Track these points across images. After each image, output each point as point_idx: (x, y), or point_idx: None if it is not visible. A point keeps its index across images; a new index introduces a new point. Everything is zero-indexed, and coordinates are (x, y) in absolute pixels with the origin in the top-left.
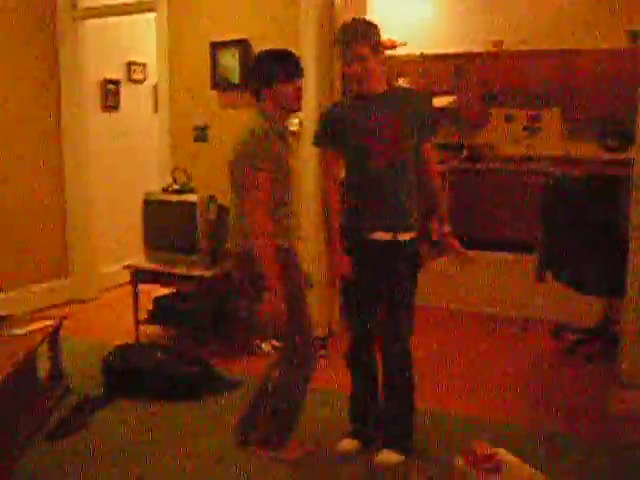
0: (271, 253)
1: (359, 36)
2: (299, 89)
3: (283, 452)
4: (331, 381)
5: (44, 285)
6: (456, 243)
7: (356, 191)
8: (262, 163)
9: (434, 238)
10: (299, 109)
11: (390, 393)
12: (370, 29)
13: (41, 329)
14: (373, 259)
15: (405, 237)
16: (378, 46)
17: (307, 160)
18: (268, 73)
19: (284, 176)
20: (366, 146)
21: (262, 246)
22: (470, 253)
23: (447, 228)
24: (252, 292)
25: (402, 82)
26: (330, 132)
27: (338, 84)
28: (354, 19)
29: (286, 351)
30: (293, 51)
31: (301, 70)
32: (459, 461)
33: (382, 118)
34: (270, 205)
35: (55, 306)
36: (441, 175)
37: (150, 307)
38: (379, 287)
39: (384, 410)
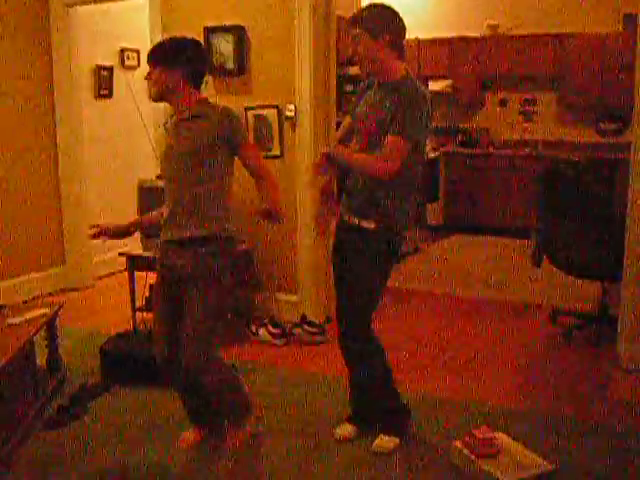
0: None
1: (355, 18)
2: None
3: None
4: (329, 366)
5: (39, 273)
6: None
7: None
8: None
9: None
10: (150, 97)
11: (354, 382)
12: (374, 13)
13: (38, 317)
14: (340, 241)
15: (368, 225)
16: (381, 31)
17: (302, 145)
18: None
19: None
20: (354, 127)
21: None
22: (466, 238)
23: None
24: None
25: None
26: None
27: (333, 72)
28: (368, 4)
29: None
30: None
31: (148, 57)
32: (458, 445)
33: (367, 106)
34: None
35: (50, 294)
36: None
37: (145, 294)
38: (337, 271)
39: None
